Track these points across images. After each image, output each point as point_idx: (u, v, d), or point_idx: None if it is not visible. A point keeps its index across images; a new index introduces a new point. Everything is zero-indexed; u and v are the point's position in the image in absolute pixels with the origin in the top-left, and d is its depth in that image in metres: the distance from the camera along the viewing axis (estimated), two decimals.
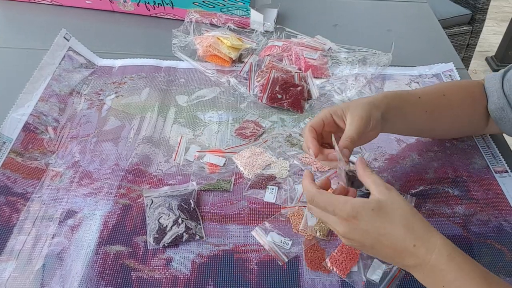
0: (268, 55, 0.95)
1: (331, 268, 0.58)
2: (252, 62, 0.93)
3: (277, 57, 0.94)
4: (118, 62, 0.94)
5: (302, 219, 0.64)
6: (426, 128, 0.73)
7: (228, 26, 1.03)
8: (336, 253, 0.60)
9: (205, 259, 0.60)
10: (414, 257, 0.49)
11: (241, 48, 0.95)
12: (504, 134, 0.81)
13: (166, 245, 0.61)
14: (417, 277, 0.50)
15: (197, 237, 0.62)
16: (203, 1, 1.05)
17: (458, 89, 0.72)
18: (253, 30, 1.05)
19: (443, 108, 0.70)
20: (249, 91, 0.87)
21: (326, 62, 0.94)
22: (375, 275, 0.58)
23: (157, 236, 0.61)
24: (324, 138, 0.63)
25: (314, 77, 0.90)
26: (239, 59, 0.95)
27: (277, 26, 1.07)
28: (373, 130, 0.62)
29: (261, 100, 0.85)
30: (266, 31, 1.06)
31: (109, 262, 0.59)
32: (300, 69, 0.92)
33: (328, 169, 0.72)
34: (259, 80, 0.88)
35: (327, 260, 0.59)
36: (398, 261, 0.50)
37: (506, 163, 0.74)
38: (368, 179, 0.53)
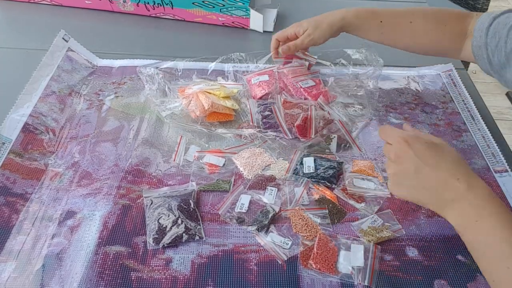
0: (269, 97, 0.85)
1: (316, 267, 0.58)
2: (251, 108, 0.83)
3: (274, 92, 0.85)
4: (117, 63, 0.94)
5: (301, 220, 0.64)
6: (384, 43, 0.84)
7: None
8: (317, 252, 0.59)
9: (205, 259, 0.60)
10: (455, 191, 0.52)
11: (233, 94, 0.84)
12: (503, 134, 0.81)
13: (165, 245, 0.61)
14: (450, 215, 0.53)
15: (197, 237, 0.62)
16: (202, 1, 1.05)
17: (428, 18, 0.79)
18: (249, 33, 1.05)
19: (405, 34, 0.80)
20: (286, 135, 0.78)
21: (323, 85, 0.87)
22: (358, 262, 0.59)
23: (156, 236, 0.61)
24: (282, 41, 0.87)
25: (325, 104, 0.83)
26: None
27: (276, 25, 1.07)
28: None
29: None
30: (265, 31, 1.06)
31: (109, 263, 0.58)
32: (306, 99, 0.84)
33: None
34: (291, 122, 0.79)
35: (310, 261, 0.59)
36: (437, 194, 0.53)
37: (506, 162, 0.74)
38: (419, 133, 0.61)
